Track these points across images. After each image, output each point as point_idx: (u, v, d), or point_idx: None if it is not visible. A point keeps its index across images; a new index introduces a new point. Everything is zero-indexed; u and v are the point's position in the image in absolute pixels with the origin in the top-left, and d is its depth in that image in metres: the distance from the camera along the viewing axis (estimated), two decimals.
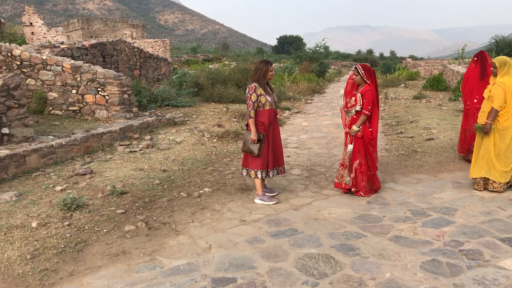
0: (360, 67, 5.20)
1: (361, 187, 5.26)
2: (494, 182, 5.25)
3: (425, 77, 22.25)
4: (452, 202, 4.97)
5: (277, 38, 73.98)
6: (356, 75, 5.19)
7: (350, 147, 5.28)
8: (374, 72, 5.35)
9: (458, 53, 22.41)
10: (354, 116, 5.21)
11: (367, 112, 5.12)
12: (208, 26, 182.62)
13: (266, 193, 5.21)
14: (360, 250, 3.81)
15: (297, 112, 12.61)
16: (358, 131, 5.18)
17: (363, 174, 5.25)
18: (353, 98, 5.22)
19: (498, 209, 4.71)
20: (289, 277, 3.38)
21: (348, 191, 5.37)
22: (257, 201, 5.12)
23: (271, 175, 5.16)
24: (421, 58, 51.42)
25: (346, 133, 5.38)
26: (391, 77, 21.74)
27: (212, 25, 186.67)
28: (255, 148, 4.97)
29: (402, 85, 19.48)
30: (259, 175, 5.08)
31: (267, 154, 5.07)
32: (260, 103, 5.00)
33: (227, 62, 26.32)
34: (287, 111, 12.41)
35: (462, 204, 4.91)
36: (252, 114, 4.97)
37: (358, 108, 5.14)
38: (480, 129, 5.26)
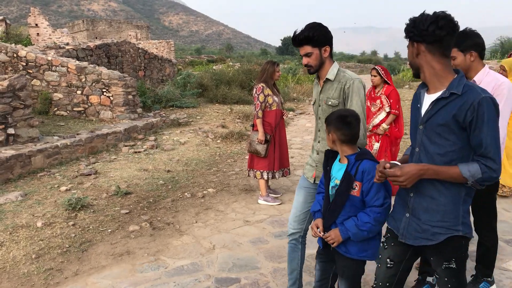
0: (379, 68, 5.23)
1: None
2: (504, 186, 5.12)
3: None
4: None
5: (281, 39, 74.00)
6: (375, 76, 5.18)
7: (377, 145, 5.25)
8: (389, 74, 5.39)
9: None
10: (382, 119, 5.20)
11: (396, 111, 5.13)
12: (212, 27, 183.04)
13: (270, 194, 5.22)
14: None
15: (301, 113, 12.62)
16: (387, 129, 5.17)
17: None
18: (378, 101, 5.20)
19: (502, 210, 4.70)
20: None
21: None
22: (261, 201, 5.13)
23: (277, 177, 5.16)
24: None
25: (370, 136, 5.29)
26: (395, 78, 21.73)
27: (216, 26, 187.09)
28: (261, 148, 4.97)
29: (407, 86, 19.46)
30: (264, 176, 5.08)
31: (273, 155, 5.08)
32: (267, 104, 5.01)
33: (231, 63, 26.38)
34: (291, 112, 12.41)
35: None
36: (260, 114, 4.98)
37: (387, 109, 5.13)
38: None
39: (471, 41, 2.78)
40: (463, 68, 2.75)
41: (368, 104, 5.31)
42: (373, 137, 5.29)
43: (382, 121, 5.18)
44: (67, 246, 3.91)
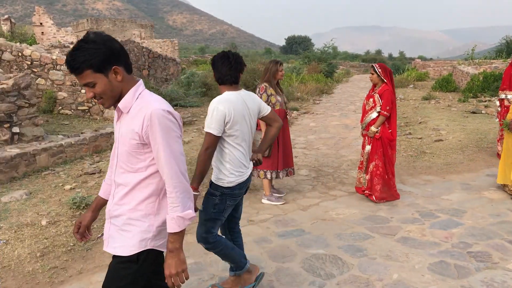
0: (377, 65, 5.09)
1: (375, 190, 5.07)
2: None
3: (434, 78, 22.13)
4: (461, 204, 4.94)
5: (285, 38, 73.92)
6: (372, 74, 5.05)
7: (368, 148, 5.15)
8: (392, 72, 5.18)
9: (468, 54, 22.25)
10: (373, 118, 5.07)
11: (385, 112, 4.94)
12: (216, 26, 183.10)
13: (273, 194, 5.21)
14: (368, 251, 3.80)
15: (305, 113, 12.60)
16: (377, 132, 5.03)
17: (379, 177, 5.06)
18: (371, 100, 5.08)
19: (507, 211, 4.68)
20: (296, 277, 3.38)
21: (364, 192, 5.25)
22: (264, 201, 5.13)
23: (281, 176, 5.15)
24: (430, 59, 51.10)
25: (364, 135, 5.25)
26: (400, 78, 21.66)
27: (220, 25, 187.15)
28: None
29: (411, 85, 19.40)
30: (268, 176, 5.08)
31: (277, 154, 5.07)
32: (270, 103, 4.99)
33: None
34: (295, 112, 12.40)
35: (470, 205, 4.88)
36: None
37: (378, 109, 4.97)
38: (506, 125, 5.20)
39: (109, 51, 1.78)
40: (111, 96, 1.86)
41: (365, 102, 5.27)
42: (366, 138, 5.22)
43: (374, 120, 5.05)
44: (72, 244, 3.92)
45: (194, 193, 2.68)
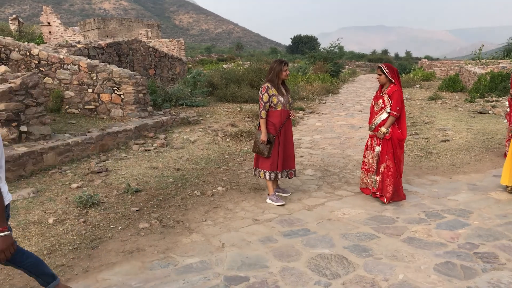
0: (384, 66, 5.05)
1: (387, 191, 5.02)
2: None
3: (441, 78, 22.01)
4: (467, 204, 4.92)
5: (291, 38, 73.80)
6: (380, 75, 5.03)
7: (378, 149, 5.09)
8: (398, 72, 5.16)
9: (475, 54, 22.13)
10: (383, 119, 5.03)
11: (395, 113, 4.92)
12: (222, 26, 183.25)
13: (276, 193, 5.20)
14: (373, 251, 3.79)
15: (310, 112, 12.58)
16: (387, 132, 4.99)
17: (390, 178, 5.02)
18: (380, 100, 5.04)
19: None
20: (302, 277, 3.38)
21: (374, 194, 5.18)
22: (268, 200, 5.13)
23: (279, 177, 5.13)
24: (437, 59, 50.81)
25: (372, 136, 5.22)
26: (406, 78, 21.57)
27: (226, 25, 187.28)
28: (264, 149, 4.95)
29: (417, 85, 19.31)
30: (267, 176, 5.07)
31: (277, 155, 5.04)
32: (272, 104, 4.97)
33: (241, 62, 26.37)
34: (300, 111, 12.38)
35: (477, 206, 4.85)
36: (263, 115, 4.95)
37: (388, 109, 4.95)
38: None
39: None
40: None
41: (373, 103, 5.24)
42: (374, 139, 5.17)
43: (384, 121, 5.02)
44: (78, 242, 3.95)
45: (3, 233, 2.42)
